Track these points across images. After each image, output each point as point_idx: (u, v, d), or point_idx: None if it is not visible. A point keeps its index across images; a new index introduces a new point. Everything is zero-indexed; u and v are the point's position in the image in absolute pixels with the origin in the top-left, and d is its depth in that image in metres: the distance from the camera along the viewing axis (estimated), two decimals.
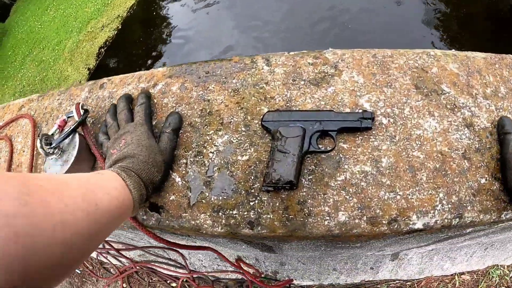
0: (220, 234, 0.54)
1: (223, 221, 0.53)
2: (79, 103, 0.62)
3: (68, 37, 3.65)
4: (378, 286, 1.25)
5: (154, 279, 1.26)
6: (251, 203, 0.53)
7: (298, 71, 0.63)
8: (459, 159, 0.55)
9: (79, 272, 1.38)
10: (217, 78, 0.65)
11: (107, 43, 3.34)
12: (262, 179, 0.54)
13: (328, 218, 0.52)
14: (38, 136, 0.58)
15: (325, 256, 0.97)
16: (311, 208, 0.52)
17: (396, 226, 0.52)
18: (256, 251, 0.90)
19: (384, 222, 0.52)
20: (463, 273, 1.23)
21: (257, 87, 0.62)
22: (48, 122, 0.73)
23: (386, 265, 1.10)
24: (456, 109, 0.58)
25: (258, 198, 0.54)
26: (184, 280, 1.14)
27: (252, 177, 0.55)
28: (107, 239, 0.92)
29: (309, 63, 0.64)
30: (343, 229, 0.52)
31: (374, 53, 0.64)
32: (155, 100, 0.65)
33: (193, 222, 0.54)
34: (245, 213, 0.53)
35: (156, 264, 1.10)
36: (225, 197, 0.54)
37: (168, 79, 0.67)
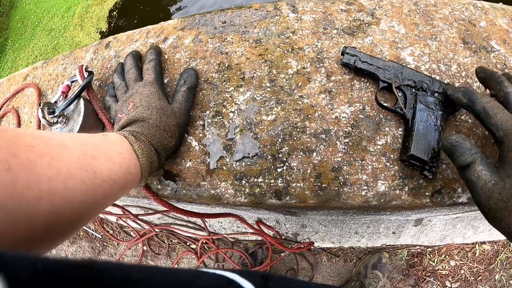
0: (243, 204, 0.49)
1: (247, 190, 0.48)
2: (83, 65, 0.56)
3: (76, 2, 3.54)
4: (399, 250, 1.23)
5: (174, 241, 1.26)
6: (279, 170, 0.47)
7: (329, 18, 0.54)
8: None
9: (100, 236, 1.41)
10: (235, 28, 0.56)
11: (117, 5, 3.20)
12: (291, 142, 0.48)
13: (366, 187, 0.46)
14: (40, 105, 0.52)
15: (348, 220, 0.93)
16: (347, 176, 0.46)
17: (439, 199, 0.46)
18: (277, 215, 0.87)
19: (427, 194, 0.46)
20: (484, 243, 1.21)
21: (282, 36, 0.54)
22: (53, 89, 0.68)
23: (409, 230, 1.07)
24: (507, 70, 0.51)
25: (286, 164, 0.47)
26: (204, 242, 1.14)
27: (280, 140, 0.48)
28: (124, 204, 0.90)
29: (341, 9, 0.55)
30: (382, 200, 0.46)
31: (416, 1, 0.56)
32: (166, 56, 0.57)
33: (212, 192, 0.49)
34: (272, 181, 0.47)
35: (176, 227, 1.09)
36: (248, 163, 0.48)
37: (180, 31, 0.59)
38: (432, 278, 1.22)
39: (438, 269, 1.23)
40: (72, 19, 3.39)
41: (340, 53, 0.50)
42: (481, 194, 0.37)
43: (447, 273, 1.23)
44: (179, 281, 0.20)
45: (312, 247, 1.15)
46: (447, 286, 1.23)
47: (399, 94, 0.47)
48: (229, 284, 0.22)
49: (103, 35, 3.07)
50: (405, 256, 1.22)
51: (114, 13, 3.15)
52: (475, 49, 0.52)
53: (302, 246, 1.03)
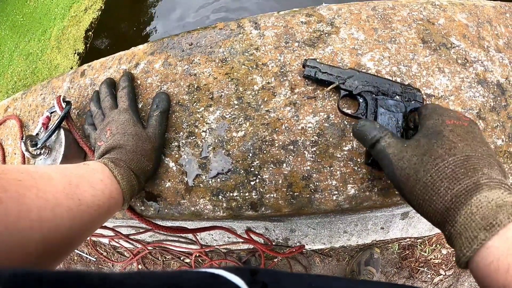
0: (223, 218, 0.51)
1: (224, 204, 0.50)
2: (60, 96, 0.57)
3: (52, 25, 3.52)
4: (389, 244, 1.25)
5: (167, 257, 1.27)
6: (252, 183, 0.50)
7: (290, 32, 0.57)
8: (474, 119, 0.50)
9: (94, 259, 1.41)
10: (202, 49, 0.58)
11: (93, 25, 3.20)
12: (261, 155, 0.50)
13: (336, 192, 0.48)
14: (22, 138, 0.54)
15: (335, 220, 0.95)
16: (317, 183, 0.48)
17: None
18: (265, 222, 0.89)
19: (396, 192, 0.48)
20: None
21: (246, 54, 0.56)
22: (34, 120, 0.69)
23: (397, 224, 1.09)
24: (467, 64, 0.53)
25: (259, 176, 0.50)
26: (197, 255, 1.15)
27: (251, 154, 0.51)
28: (114, 225, 0.90)
29: (302, 22, 0.57)
30: (353, 202, 0.48)
31: (373, 6, 0.58)
32: (139, 81, 0.59)
33: (193, 209, 0.51)
34: (247, 194, 0.49)
35: (168, 243, 1.10)
36: (223, 179, 0.51)
37: (150, 56, 0.61)
38: (425, 268, 1.24)
39: (430, 259, 1.26)
40: (49, 42, 3.38)
41: (302, 65, 0.53)
42: (393, 163, 0.36)
43: (439, 261, 1.26)
44: (162, 279, 0.21)
45: (303, 250, 1.17)
46: (441, 274, 1.25)
47: (360, 100, 0.49)
48: (215, 278, 0.23)
49: (81, 56, 3.05)
50: (396, 249, 1.25)
51: (90, 33, 3.15)
52: (435, 47, 0.54)
53: (294, 250, 1.05)
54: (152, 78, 0.59)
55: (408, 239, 1.25)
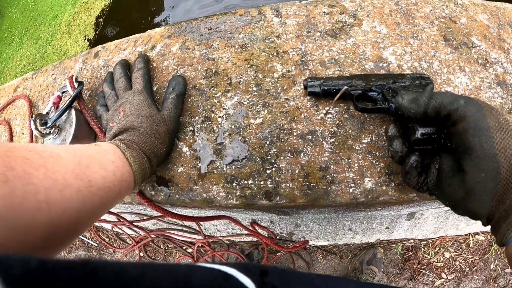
0: (235, 206, 0.50)
1: (238, 192, 0.49)
2: (72, 75, 0.56)
3: (63, 10, 3.50)
4: (393, 245, 1.25)
5: (170, 246, 1.27)
6: (268, 172, 0.49)
7: (312, 21, 0.56)
8: None
9: (96, 245, 1.40)
10: (221, 34, 0.57)
11: (104, 12, 3.18)
12: (279, 144, 0.49)
13: (353, 185, 0.47)
14: (32, 117, 0.53)
15: (341, 217, 0.95)
16: (334, 175, 0.47)
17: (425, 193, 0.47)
18: (271, 215, 0.88)
19: None
20: (477, 233, 1.23)
21: (267, 41, 0.55)
22: (44, 100, 0.68)
23: (402, 224, 1.09)
24: (488, 65, 0.52)
25: (275, 165, 0.49)
26: (200, 245, 1.15)
27: (268, 142, 0.50)
28: (119, 211, 0.90)
29: (324, 12, 0.56)
30: (369, 196, 0.47)
31: (396, 1, 0.57)
32: (154, 64, 0.58)
33: (205, 195, 0.50)
34: (262, 183, 0.48)
35: (171, 232, 1.10)
36: (238, 166, 0.50)
37: (167, 39, 0.60)
38: (427, 271, 1.24)
39: (433, 262, 1.25)
40: (60, 27, 3.37)
41: (303, 86, 0.51)
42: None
43: (442, 265, 1.25)
44: (175, 277, 0.20)
45: (307, 246, 1.16)
46: (443, 278, 1.24)
47: (375, 94, 0.47)
48: (227, 279, 0.23)
49: (91, 43, 3.05)
50: (399, 250, 1.24)
51: (101, 20, 3.14)
52: (456, 45, 0.53)
53: (297, 245, 1.04)
54: (168, 61, 0.57)
55: (412, 241, 1.24)
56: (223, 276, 0.23)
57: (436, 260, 1.25)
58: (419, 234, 1.21)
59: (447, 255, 1.25)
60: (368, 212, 0.86)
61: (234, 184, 0.49)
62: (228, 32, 0.57)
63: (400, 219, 1.04)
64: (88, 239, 1.42)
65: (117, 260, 0.19)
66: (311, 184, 0.47)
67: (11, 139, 0.71)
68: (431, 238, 1.24)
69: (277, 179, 0.48)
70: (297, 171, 0.48)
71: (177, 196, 0.52)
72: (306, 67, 0.52)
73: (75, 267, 0.15)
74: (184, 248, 1.24)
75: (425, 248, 1.25)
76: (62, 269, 0.15)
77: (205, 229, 1.09)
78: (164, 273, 0.19)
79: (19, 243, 0.27)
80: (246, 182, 0.49)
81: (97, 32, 3.07)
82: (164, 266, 0.20)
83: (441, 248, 1.25)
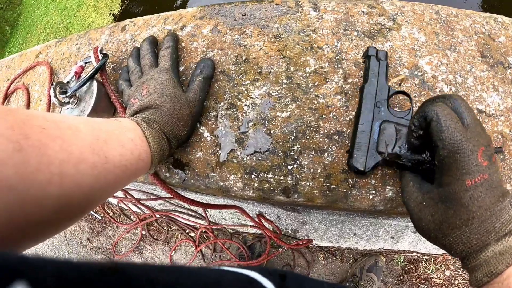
0: (251, 198, 0.49)
1: (256, 184, 0.48)
2: (98, 47, 0.55)
3: None
4: (396, 255, 1.23)
5: (173, 228, 1.27)
6: (289, 167, 0.47)
7: (350, 20, 0.54)
8: None
9: (100, 218, 1.42)
10: (255, 21, 0.56)
11: None
12: (303, 140, 0.48)
13: (374, 192, 0.46)
14: (52, 84, 0.52)
15: (348, 221, 0.93)
16: (356, 179, 0.46)
17: None
18: (279, 210, 0.87)
19: None
20: None
21: (302, 34, 0.53)
22: (65, 69, 0.68)
23: (407, 236, 1.07)
24: None
25: (297, 162, 0.47)
26: (203, 231, 1.15)
27: (293, 137, 0.48)
28: (127, 187, 0.90)
29: (363, 12, 0.54)
30: (388, 205, 0.46)
31: (437, 10, 0.55)
32: (183, 44, 0.57)
33: (221, 184, 0.49)
34: (282, 178, 0.47)
35: (176, 214, 1.10)
36: (259, 158, 0.49)
37: (199, 20, 0.58)
38: (426, 286, 1.23)
39: (432, 278, 1.24)
40: None
41: (362, 55, 0.50)
42: (413, 210, 0.38)
43: (441, 282, 1.24)
44: (206, 283, 0.20)
45: (310, 245, 1.16)
46: None
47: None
48: (251, 284, 0.22)
49: (115, 17, 3.05)
50: (401, 261, 1.23)
51: None
52: (493, 63, 0.51)
53: (301, 243, 1.03)
54: (198, 43, 0.56)
55: (415, 254, 1.22)
56: (248, 281, 0.23)
57: (436, 277, 1.24)
58: (422, 248, 1.19)
59: (447, 273, 1.24)
60: (376, 219, 0.85)
61: (253, 176, 0.48)
62: (263, 20, 0.55)
63: (407, 231, 1.03)
64: (93, 211, 1.43)
65: (147, 264, 0.18)
66: (332, 186, 0.46)
67: (28, 105, 0.71)
68: (434, 254, 1.23)
69: (298, 176, 0.47)
70: (319, 171, 0.46)
71: (192, 181, 0.51)
72: (340, 66, 0.50)
73: (108, 274, 0.14)
74: (187, 231, 1.25)
75: (427, 263, 1.23)
76: (95, 276, 0.14)
77: (210, 216, 1.09)
78: (196, 279, 0.19)
79: (28, 215, 0.26)
80: (265, 175, 0.48)
81: (123, 7, 3.07)
82: (196, 272, 0.20)
83: (443, 265, 1.23)
